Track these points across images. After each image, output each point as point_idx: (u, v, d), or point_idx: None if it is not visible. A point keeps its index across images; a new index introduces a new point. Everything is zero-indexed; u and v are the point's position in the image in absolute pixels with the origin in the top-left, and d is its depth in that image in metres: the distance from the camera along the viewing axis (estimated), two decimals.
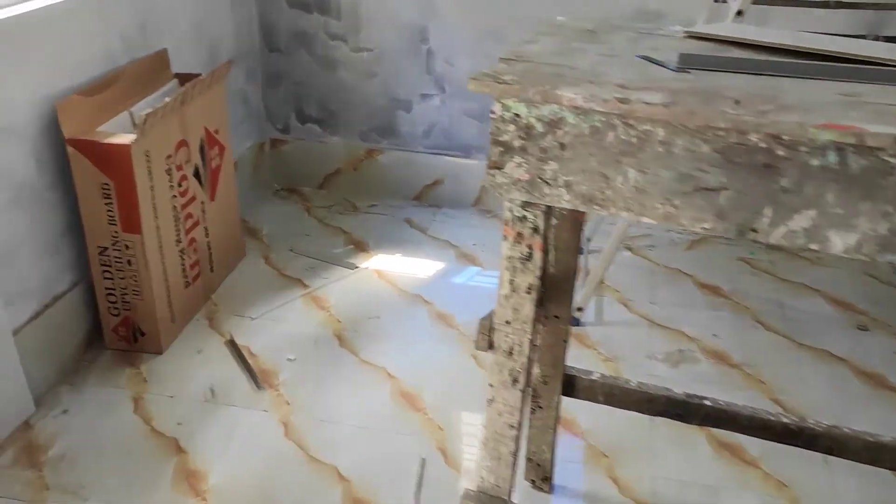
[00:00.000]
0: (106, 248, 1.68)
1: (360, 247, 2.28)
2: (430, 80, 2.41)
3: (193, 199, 1.87)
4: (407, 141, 2.52)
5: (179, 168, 1.80)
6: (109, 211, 1.64)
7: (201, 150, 1.90)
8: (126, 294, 1.72)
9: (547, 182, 0.86)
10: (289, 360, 1.79)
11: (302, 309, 1.98)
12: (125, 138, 1.59)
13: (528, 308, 0.96)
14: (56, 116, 1.57)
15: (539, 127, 0.84)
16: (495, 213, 2.49)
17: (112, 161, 1.59)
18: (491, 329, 0.98)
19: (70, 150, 1.59)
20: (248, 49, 2.43)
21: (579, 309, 1.91)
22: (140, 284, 1.71)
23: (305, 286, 2.07)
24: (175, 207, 1.79)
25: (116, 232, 1.66)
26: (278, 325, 1.91)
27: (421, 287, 2.08)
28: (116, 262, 1.69)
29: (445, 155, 2.51)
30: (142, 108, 1.81)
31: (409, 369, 1.76)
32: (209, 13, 2.19)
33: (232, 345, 1.83)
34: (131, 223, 1.65)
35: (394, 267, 2.17)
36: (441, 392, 1.70)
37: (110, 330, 1.77)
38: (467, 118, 2.44)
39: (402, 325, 1.93)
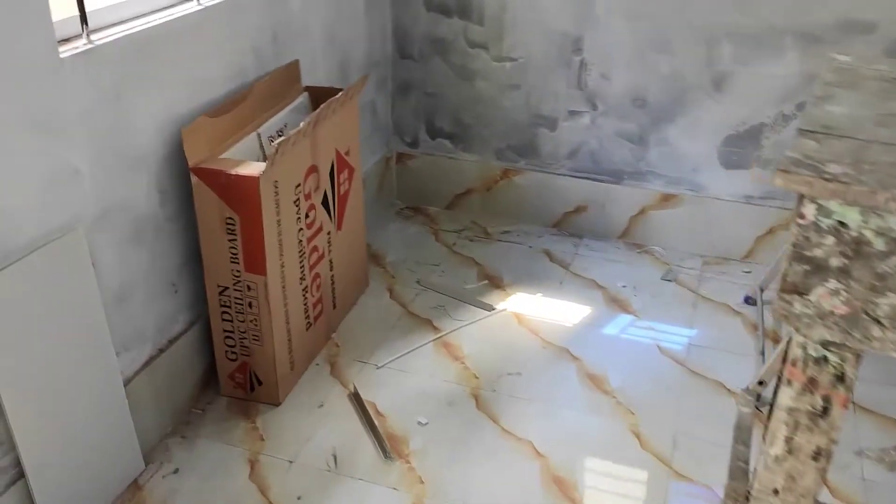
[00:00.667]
0: (226, 288, 1.50)
1: (495, 282, 2.03)
2: (580, 95, 2.14)
3: (320, 230, 1.67)
4: (548, 162, 2.25)
5: (308, 197, 1.59)
6: (232, 248, 1.45)
7: (331, 174, 1.70)
8: (245, 338, 1.54)
9: (879, 321, 0.58)
10: (420, 423, 1.56)
11: (433, 357, 1.75)
12: (253, 168, 1.40)
13: (810, 478, 0.68)
14: (181, 141, 1.39)
15: (879, 244, 0.56)
16: (646, 247, 2.20)
17: (238, 193, 1.40)
18: (747, 496, 0.71)
19: (194, 179, 1.41)
20: (381, 56, 2.22)
21: (761, 383, 1.60)
22: (260, 329, 1.52)
23: (436, 329, 1.85)
24: (301, 242, 1.59)
25: (238, 271, 1.47)
26: (407, 378, 1.69)
27: (566, 338, 1.82)
28: (237, 303, 1.50)
29: (591, 179, 2.23)
30: (271, 127, 1.62)
31: (559, 446, 1.51)
32: (343, 19, 1.99)
33: (356, 399, 1.62)
34: (255, 262, 1.45)
35: (534, 310, 1.92)
36: (599, 479, 1.44)
37: (226, 376, 1.59)
38: (620, 140, 2.15)
39: (547, 385, 1.67)
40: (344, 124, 1.73)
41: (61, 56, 1.15)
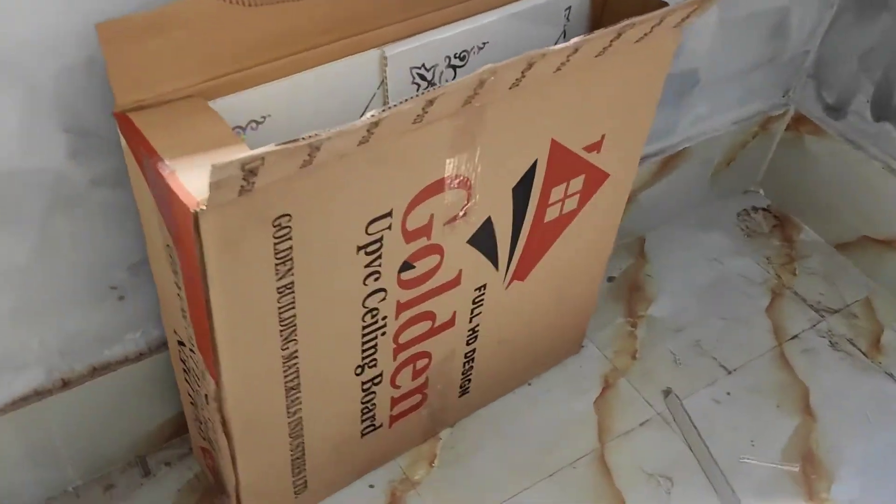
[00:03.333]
0: (183, 345, 0.75)
1: (811, 480, 0.97)
2: None
3: (452, 285, 0.79)
4: None
5: (420, 234, 0.71)
6: (179, 294, 0.67)
7: (523, 190, 0.76)
8: (207, 428, 0.81)
9: None
10: None
11: None
12: (204, 175, 0.55)
13: None
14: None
15: None
16: None
17: (175, 215, 0.59)
18: None
19: (123, 142, 0.62)
20: None
21: None
22: (217, 445, 0.77)
23: None
24: (373, 313, 0.74)
25: (192, 338, 0.71)
26: None
27: None
28: (196, 377, 0.76)
29: None
30: (438, 46, 0.71)
31: None
32: None
33: None
34: (204, 346, 0.67)
35: None
36: None
37: (198, 447, 0.90)
38: None
39: None
40: (609, 84, 0.74)
41: None
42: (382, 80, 0.71)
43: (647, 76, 0.75)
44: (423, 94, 0.56)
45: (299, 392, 0.75)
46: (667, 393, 1.05)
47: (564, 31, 0.81)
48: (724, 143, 1.21)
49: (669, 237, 1.25)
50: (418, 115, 0.58)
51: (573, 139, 0.75)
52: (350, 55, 0.69)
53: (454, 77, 0.75)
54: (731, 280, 1.20)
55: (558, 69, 0.64)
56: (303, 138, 0.51)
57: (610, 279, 1.19)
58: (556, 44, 0.80)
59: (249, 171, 0.51)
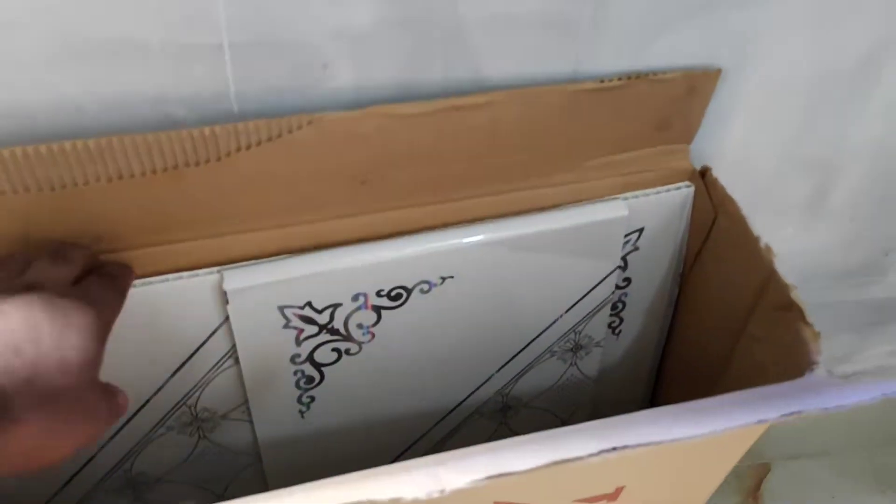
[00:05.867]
0: None
1: None
2: None
3: None
4: None
5: None
6: None
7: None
8: None
9: None
10: None
11: None
12: None
13: None
14: None
15: None
16: None
17: None
18: None
19: None
20: None
21: None
22: None
23: None
24: None
25: None
26: None
27: None
28: None
29: None
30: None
31: None
32: None
33: None
34: None
35: None
36: None
37: None
38: None
39: None
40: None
41: None
42: (225, 318, 0.42)
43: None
44: None
45: None
46: None
47: (624, 264, 0.46)
48: None
49: (811, 480, 0.85)
50: None
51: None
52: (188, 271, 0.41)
53: (377, 320, 0.45)
54: None
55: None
56: None
57: None
58: (604, 278, 0.46)
59: None
